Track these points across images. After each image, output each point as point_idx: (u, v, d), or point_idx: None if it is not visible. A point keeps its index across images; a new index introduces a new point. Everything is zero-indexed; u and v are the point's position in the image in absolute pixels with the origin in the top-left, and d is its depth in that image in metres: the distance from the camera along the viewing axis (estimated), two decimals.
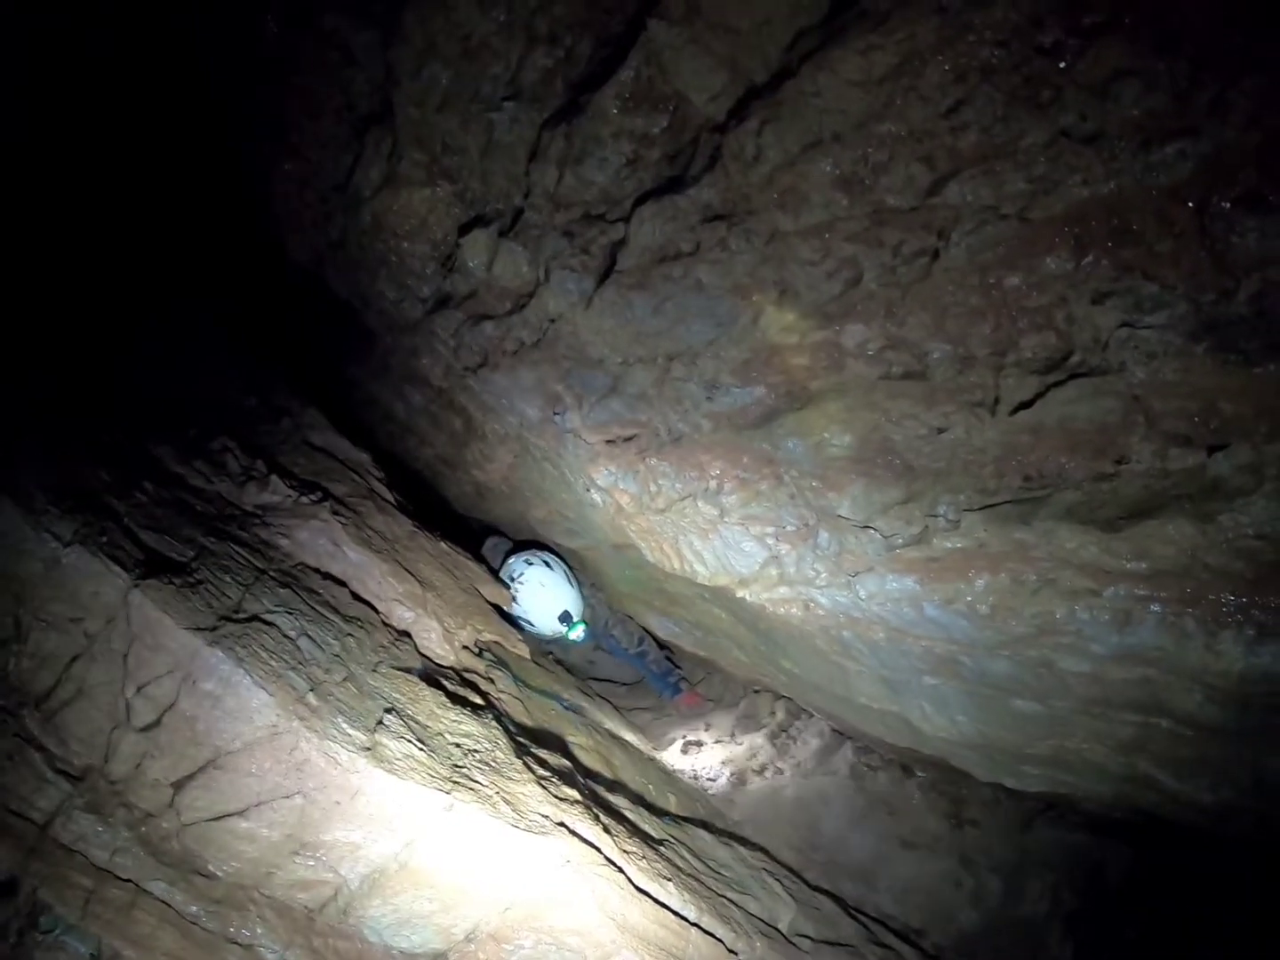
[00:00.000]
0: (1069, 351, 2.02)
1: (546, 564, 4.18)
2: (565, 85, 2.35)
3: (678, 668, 4.63)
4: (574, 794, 2.61)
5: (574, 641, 4.28)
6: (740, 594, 2.94)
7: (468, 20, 2.37)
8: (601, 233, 2.44)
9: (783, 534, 2.73)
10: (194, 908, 2.14)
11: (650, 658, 4.49)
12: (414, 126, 2.63)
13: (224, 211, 4.58)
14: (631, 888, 2.44)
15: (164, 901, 2.13)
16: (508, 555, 4.35)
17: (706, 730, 4.18)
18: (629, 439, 2.86)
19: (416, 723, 2.47)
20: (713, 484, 2.77)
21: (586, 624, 4.27)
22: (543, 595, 4.09)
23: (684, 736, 4.15)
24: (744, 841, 3.26)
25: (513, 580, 4.10)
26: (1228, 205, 1.74)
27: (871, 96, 1.88)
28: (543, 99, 2.40)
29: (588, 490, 3.12)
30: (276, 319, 4.66)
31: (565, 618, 4.14)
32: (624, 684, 4.78)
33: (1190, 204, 1.78)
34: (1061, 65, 1.74)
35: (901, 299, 2.12)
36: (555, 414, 2.95)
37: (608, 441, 2.91)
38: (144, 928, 2.10)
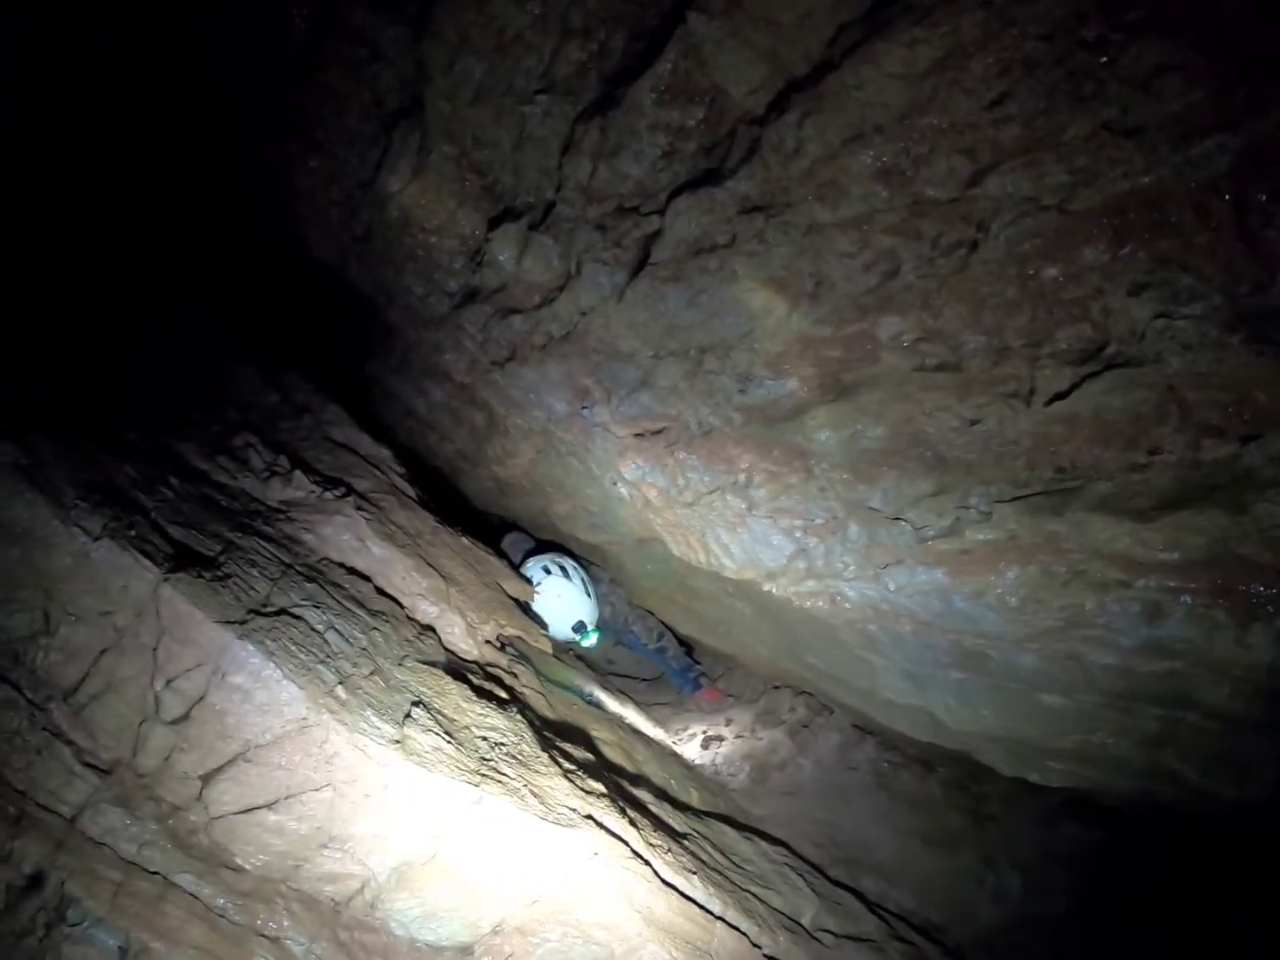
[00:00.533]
0: (1105, 343, 2.03)
1: (564, 572, 4.20)
2: (599, 78, 2.37)
3: (697, 663, 4.63)
4: (600, 787, 2.60)
5: (587, 649, 4.32)
6: (767, 587, 2.95)
7: (502, 14, 2.39)
8: (635, 225, 2.46)
9: (811, 527, 2.74)
10: (222, 901, 2.13)
11: (670, 653, 4.51)
12: (445, 121, 2.64)
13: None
14: (658, 881, 2.42)
15: (192, 894, 2.12)
16: (526, 556, 4.37)
17: (727, 725, 4.17)
18: (658, 432, 2.87)
19: (444, 716, 2.47)
20: (742, 477, 2.78)
21: (600, 631, 4.30)
22: (559, 605, 4.12)
23: (704, 732, 4.14)
24: (766, 837, 3.24)
25: (529, 586, 4.12)
26: (1264, 198, 1.77)
27: (914, 89, 1.90)
28: (577, 92, 2.41)
29: (614, 484, 3.13)
30: (294, 317, 4.66)
31: (579, 628, 4.18)
32: (644, 679, 4.78)
33: (1227, 197, 1.80)
34: (1104, 59, 1.76)
35: (938, 291, 2.14)
36: (584, 408, 2.95)
37: (636, 435, 2.92)
38: (172, 921, 2.09)
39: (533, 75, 2.46)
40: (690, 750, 3.99)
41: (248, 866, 2.16)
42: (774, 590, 2.94)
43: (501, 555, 3.92)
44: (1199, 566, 2.18)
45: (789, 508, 2.76)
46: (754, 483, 2.78)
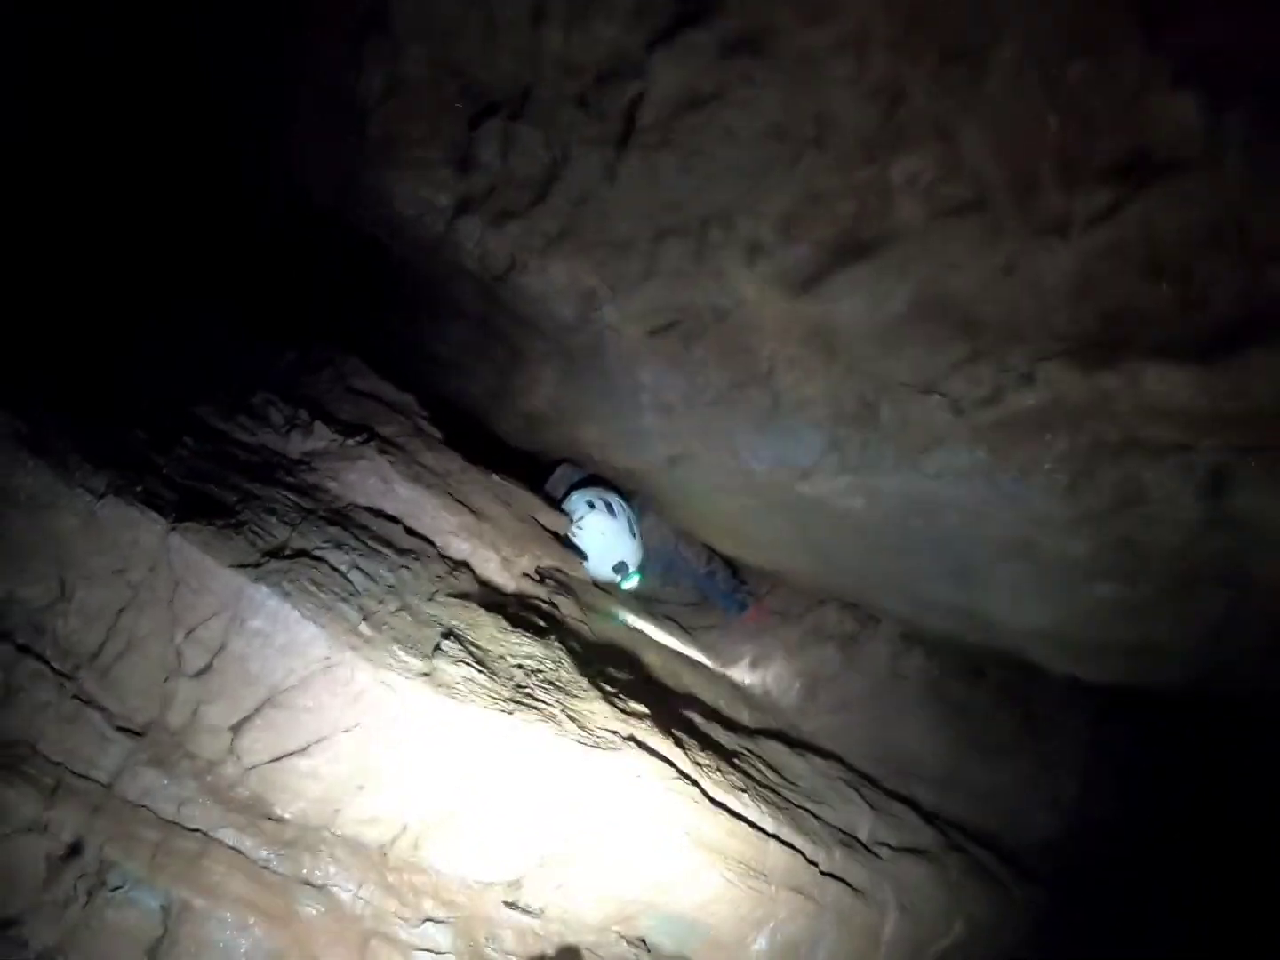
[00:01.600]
0: (1148, 149, 1.65)
1: (609, 508, 3.81)
2: None
3: (744, 584, 4.29)
4: (642, 708, 2.39)
5: (625, 591, 3.91)
6: (800, 488, 2.63)
7: None
8: (619, 93, 2.12)
9: (842, 416, 2.42)
10: (265, 852, 1.99)
11: (719, 576, 4.16)
12: (411, 20, 2.32)
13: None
14: (707, 801, 2.24)
15: (234, 848, 1.98)
16: (571, 489, 3.96)
17: (775, 645, 3.88)
18: (671, 326, 2.54)
19: (476, 647, 2.26)
20: (764, 366, 2.45)
21: (641, 575, 3.94)
22: (600, 543, 3.72)
23: (752, 652, 3.86)
24: (818, 751, 3.01)
25: (571, 521, 3.76)
26: None
27: None
28: None
29: (634, 394, 2.80)
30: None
31: (620, 568, 3.78)
32: (689, 604, 4.42)
33: None
34: None
35: (952, 113, 1.77)
36: (592, 311, 2.63)
37: (650, 333, 2.59)
38: (214, 876, 1.95)
39: None
40: (739, 672, 3.73)
41: (287, 815, 2.02)
42: (808, 490, 2.62)
43: (537, 490, 3.56)
44: (1268, 418, 1.82)
45: (816, 396, 2.43)
46: (777, 371, 2.44)
